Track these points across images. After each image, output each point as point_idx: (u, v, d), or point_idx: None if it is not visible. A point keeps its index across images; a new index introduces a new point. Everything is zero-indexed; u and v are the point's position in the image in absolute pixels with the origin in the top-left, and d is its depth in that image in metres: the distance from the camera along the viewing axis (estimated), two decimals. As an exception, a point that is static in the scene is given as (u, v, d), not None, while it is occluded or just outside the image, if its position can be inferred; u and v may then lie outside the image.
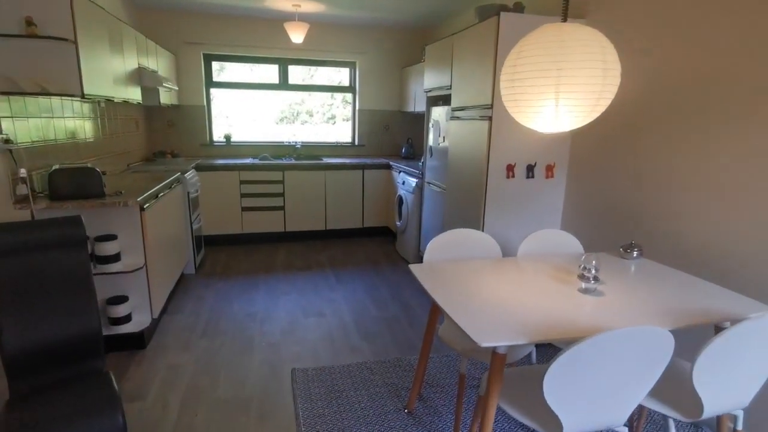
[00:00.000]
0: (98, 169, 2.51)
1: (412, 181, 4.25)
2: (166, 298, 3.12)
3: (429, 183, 3.96)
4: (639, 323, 1.44)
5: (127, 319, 2.63)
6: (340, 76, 5.62)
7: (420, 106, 4.92)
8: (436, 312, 2.01)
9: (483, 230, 2.95)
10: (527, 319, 1.44)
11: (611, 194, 2.67)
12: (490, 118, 2.80)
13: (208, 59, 5.07)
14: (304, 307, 3.34)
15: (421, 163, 4.60)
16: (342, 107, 5.73)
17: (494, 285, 1.76)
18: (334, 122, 5.75)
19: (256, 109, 5.52)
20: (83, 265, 1.94)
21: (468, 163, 3.09)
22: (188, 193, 3.81)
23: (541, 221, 3.05)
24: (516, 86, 1.50)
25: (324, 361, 2.61)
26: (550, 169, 2.95)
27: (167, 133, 5.01)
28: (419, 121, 5.71)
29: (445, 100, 3.80)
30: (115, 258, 2.51)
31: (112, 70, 2.92)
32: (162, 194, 3.07)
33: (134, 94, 3.40)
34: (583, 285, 1.72)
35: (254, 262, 4.36)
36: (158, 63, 4.05)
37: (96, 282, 2.62)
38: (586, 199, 2.86)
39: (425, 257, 2.14)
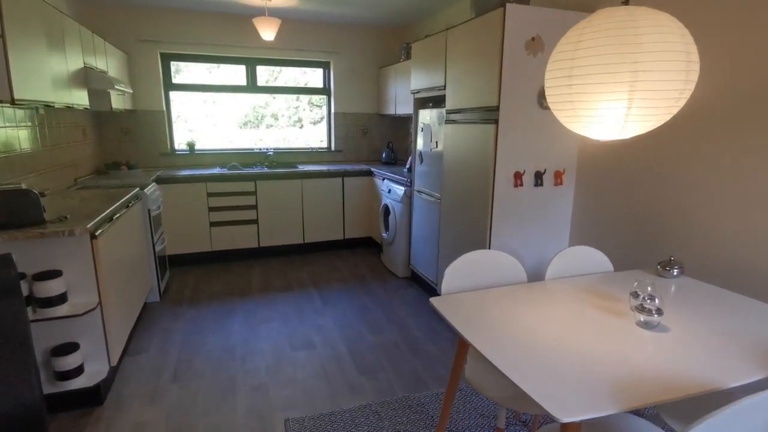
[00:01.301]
0: (35, 190, 2.04)
1: (399, 190, 3.94)
2: (126, 337, 2.66)
3: (419, 192, 3.66)
4: (746, 371, 1.19)
5: (79, 371, 2.17)
6: (307, 77, 5.23)
7: (402, 109, 4.62)
8: (464, 349, 1.71)
9: (490, 245, 2.68)
10: (602, 374, 1.16)
11: (628, 202, 2.45)
12: (496, 122, 2.53)
13: (166, 59, 4.57)
14: (290, 337, 2.96)
15: (406, 169, 4.30)
16: (309, 110, 5.35)
17: (537, 321, 1.47)
18: (302, 126, 5.36)
19: (219, 114, 5.05)
20: (17, 316, 1.51)
21: (469, 171, 2.81)
22: (149, 210, 3.34)
23: (551, 232, 2.81)
24: (574, 85, 1.22)
25: (321, 406, 2.25)
26: (559, 176, 2.72)
27: (122, 141, 4.47)
28: (400, 124, 5.41)
29: (436, 101, 3.51)
30: (61, 299, 2.06)
31: (50, 70, 2.44)
32: (118, 215, 2.62)
33: (80, 99, 2.91)
34: (643, 318, 1.45)
35: (227, 283, 3.92)
36: (108, 63, 3.55)
37: (37, 330, 2.16)
38: (598, 207, 2.64)
39: (443, 287, 1.83)
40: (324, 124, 5.37)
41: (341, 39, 5.01)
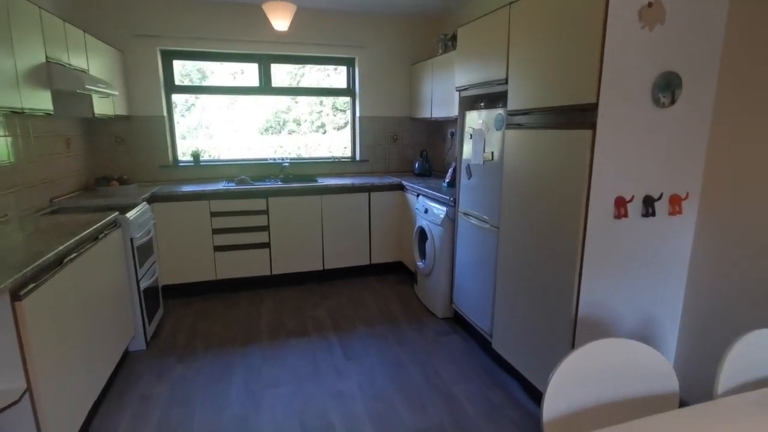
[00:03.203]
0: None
1: (440, 210, 3.19)
2: (83, 419, 2.00)
3: (466, 214, 2.90)
4: None
5: (-7, 492, 1.51)
6: (330, 79, 4.56)
7: (439, 111, 3.88)
8: None
9: (579, 298, 1.89)
10: None
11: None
12: (592, 126, 1.76)
13: (168, 57, 3.97)
14: (302, 412, 2.24)
15: (446, 184, 3.55)
16: (332, 114, 4.68)
17: None
18: (325, 131, 4.69)
19: (233, 120, 4.43)
20: None
21: (546, 194, 2.04)
22: (131, 239, 2.70)
23: (659, 282, 2.00)
24: None
25: None
26: (677, 203, 1.91)
27: (116, 152, 3.88)
28: (436, 129, 4.66)
29: (491, 100, 2.76)
30: (-40, 394, 1.40)
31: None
32: (77, 254, 1.97)
33: (38, 102, 2.29)
34: None
35: (231, 322, 3.25)
36: (89, 60, 2.94)
37: None
38: (739, 249, 1.83)
39: (546, 405, 1.07)
40: (348, 129, 4.68)
41: (367, 31, 4.32)
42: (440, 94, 3.84)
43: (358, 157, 4.61)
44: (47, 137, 2.99)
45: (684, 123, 1.85)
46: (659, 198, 1.88)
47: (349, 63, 4.46)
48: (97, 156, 3.83)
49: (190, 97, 4.24)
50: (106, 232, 2.41)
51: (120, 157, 3.89)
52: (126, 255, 2.69)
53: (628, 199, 1.83)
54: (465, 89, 2.86)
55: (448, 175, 3.63)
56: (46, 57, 2.39)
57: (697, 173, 1.94)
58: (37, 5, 2.34)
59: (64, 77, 2.43)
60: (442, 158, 4.51)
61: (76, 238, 2.00)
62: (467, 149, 2.87)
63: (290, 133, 4.62)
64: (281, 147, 4.59)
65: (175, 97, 4.12)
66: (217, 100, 4.30)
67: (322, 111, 4.69)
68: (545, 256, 2.07)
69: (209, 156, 4.37)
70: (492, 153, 2.55)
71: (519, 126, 2.25)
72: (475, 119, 2.76)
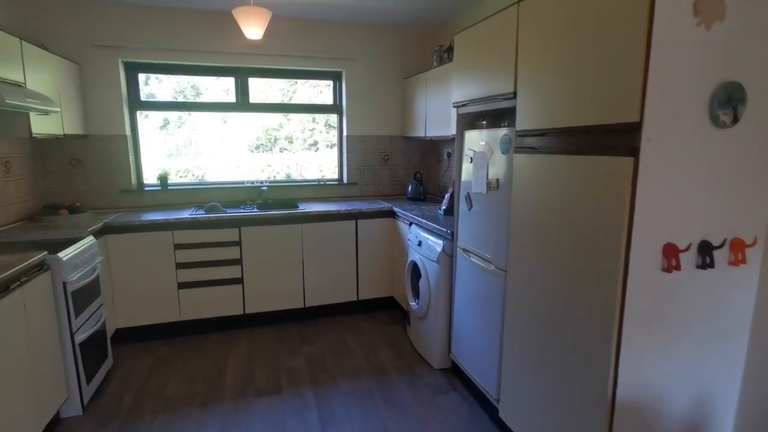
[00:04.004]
0: None
1: (435, 244, 2.75)
2: None
3: (465, 251, 2.47)
4: None
5: None
6: (323, 96, 4.18)
7: (435, 129, 3.48)
8: None
9: (618, 372, 1.45)
10: None
11: None
12: (634, 152, 1.33)
13: (132, 70, 3.57)
14: None
15: (442, 211, 3.13)
16: (325, 132, 4.29)
17: None
18: (317, 149, 4.30)
19: (222, 137, 4.05)
20: None
21: (572, 236, 1.61)
22: (64, 284, 2.24)
23: (714, 347, 1.56)
24: None
25: None
26: (740, 249, 1.49)
27: (71, 176, 3.44)
28: (431, 149, 4.26)
29: (495, 117, 2.35)
30: None
31: None
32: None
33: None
34: None
35: (192, 376, 2.77)
36: (26, 72, 2.52)
37: None
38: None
39: None
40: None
41: (355, 43, 3.94)
42: (436, 111, 3.45)
43: (345, 180, 4.18)
44: (-24, 160, 2.55)
45: (749, 147, 1.43)
46: (722, 244, 1.45)
47: (335, 77, 4.07)
48: (49, 180, 3.39)
49: (183, 114, 3.89)
50: (24, 279, 1.96)
51: (75, 182, 3.45)
52: (57, 303, 2.23)
53: (682, 247, 1.40)
54: (463, 105, 2.46)
55: (445, 201, 3.21)
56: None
57: (763, 210, 1.52)
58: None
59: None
60: (438, 181, 4.10)
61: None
62: (466, 174, 2.45)
63: (281, 151, 4.24)
64: (269, 166, 4.19)
65: (167, 115, 3.76)
66: (210, 117, 3.94)
67: (314, 128, 4.32)
68: (569, 314, 1.63)
69: (194, 176, 3.98)
70: (497, 180, 2.13)
71: (531, 150, 1.83)
72: (475, 140, 2.35)
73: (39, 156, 3.31)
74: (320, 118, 4.27)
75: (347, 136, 4.09)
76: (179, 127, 3.96)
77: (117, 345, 3.10)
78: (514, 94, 1.93)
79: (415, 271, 3.05)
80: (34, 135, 2.56)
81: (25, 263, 1.98)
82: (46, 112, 2.53)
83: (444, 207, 3.19)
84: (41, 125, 2.64)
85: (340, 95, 4.10)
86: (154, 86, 3.82)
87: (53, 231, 2.73)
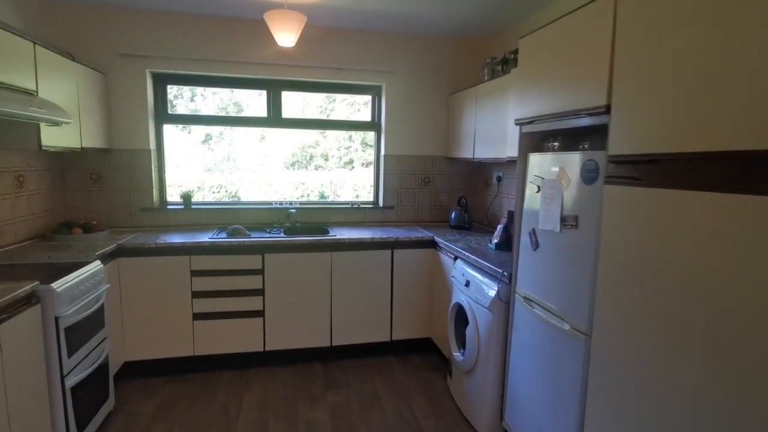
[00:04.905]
0: None
1: (488, 287, 2.30)
2: None
3: (528, 300, 2.01)
4: None
5: None
6: (360, 114, 3.87)
7: (484, 150, 3.06)
8: None
9: None
10: None
11: None
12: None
13: (160, 81, 3.36)
14: None
15: (493, 245, 2.68)
16: (361, 150, 3.98)
17: None
18: (352, 167, 3.99)
19: (258, 153, 3.83)
20: None
21: (724, 309, 1.14)
22: (57, 318, 1.94)
23: None
24: None
25: None
26: None
27: (90, 192, 3.23)
28: (478, 171, 3.84)
29: (569, 137, 1.91)
30: None
31: None
32: None
33: None
34: None
35: (197, 426, 2.41)
36: (39, 79, 2.30)
37: None
38: None
39: None
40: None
41: (397, 54, 3.61)
42: (486, 130, 3.04)
43: (381, 203, 3.81)
44: (-13, 174, 2.34)
45: None
46: None
47: (374, 92, 3.74)
48: (68, 196, 3.19)
49: (225, 130, 3.73)
50: (3, 317, 1.66)
51: (94, 198, 3.23)
52: (46, 341, 1.93)
53: None
54: (529, 122, 2.03)
55: (497, 233, 2.76)
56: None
57: None
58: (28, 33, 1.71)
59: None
60: (485, 208, 3.65)
61: None
62: (530, 205, 2.01)
63: (317, 169, 3.96)
64: (303, 183, 3.91)
65: (209, 129, 3.60)
66: (248, 133, 3.76)
67: (350, 146, 4.02)
68: (707, 411, 1.15)
69: (227, 192, 3.74)
70: (575, 217, 1.68)
71: (632, 180, 1.38)
72: (544, 165, 1.91)
73: (58, 170, 3.11)
74: (356, 135, 3.95)
75: (385, 155, 3.73)
76: (218, 142, 3.79)
77: (121, 380, 2.79)
78: (607, 109, 1.49)
79: (461, 316, 2.60)
80: (44, 147, 2.33)
81: (7, 297, 1.69)
82: (57, 123, 2.29)
83: (496, 240, 2.74)
84: (53, 137, 2.41)
85: (379, 111, 3.76)
86: (199, 102, 3.65)
87: (61, 252, 2.48)
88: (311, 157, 4.02)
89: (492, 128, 2.94)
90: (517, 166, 2.14)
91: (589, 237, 1.59)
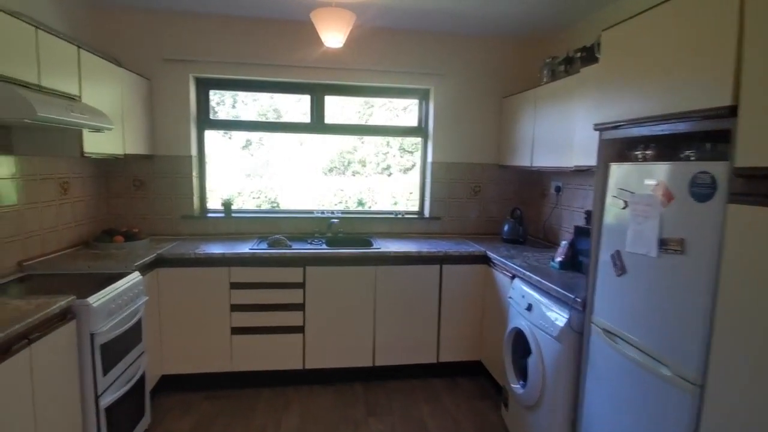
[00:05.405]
0: None
1: (557, 313, 2.03)
2: None
3: (609, 333, 1.72)
4: None
5: None
6: (399, 120, 3.67)
7: (544, 158, 2.79)
8: None
9: None
10: None
11: None
12: None
13: (203, 86, 3.29)
14: None
15: (557, 263, 2.40)
16: (399, 155, 3.78)
17: None
18: (390, 173, 3.80)
19: (297, 159, 3.71)
20: None
21: None
22: (92, 335, 1.83)
23: None
24: None
25: None
26: None
27: (133, 199, 3.19)
28: (533, 181, 3.54)
29: (666, 145, 1.63)
30: None
31: None
32: None
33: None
34: None
35: (234, 453, 2.25)
36: (82, 84, 2.24)
37: None
38: None
39: None
40: (415, 172, 3.71)
41: (446, 56, 3.38)
42: (547, 136, 2.76)
43: (427, 213, 3.58)
44: (31, 181, 2.30)
45: None
46: None
47: (421, 95, 3.53)
48: (112, 203, 3.15)
49: (265, 135, 3.65)
50: (35, 336, 1.55)
51: (137, 205, 3.19)
52: (81, 359, 1.82)
53: None
54: (614, 127, 1.76)
55: (561, 251, 2.47)
56: (-11, 72, 1.67)
57: None
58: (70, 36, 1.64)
59: (8, 102, 1.67)
60: (541, 220, 3.36)
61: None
62: (612, 223, 1.73)
63: (354, 175, 3.80)
64: (341, 190, 3.76)
65: (249, 135, 3.56)
66: (287, 138, 3.66)
67: (388, 152, 3.84)
68: None
69: (266, 198, 3.64)
70: (681, 241, 1.39)
71: (771, 199, 1.10)
72: (633, 177, 1.63)
73: (103, 177, 3.08)
74: (394, 141, 3.76)
75: (431, 162, 3.50)
76: (258, 148, 3.70)
77: (158, 395, 2.69)
78: (731, 110, 1.21)
79: (519, 342, 2.33)
80: (86, 154, 2.26)
81: (41, 313, 1.59)
82: (99, 129, 2.22)
83: (560, 258, 2.45)
84: (95, 144, 2.34)
85: (426, 116, 3.54)
86: (240, 109, 3.58)
87: (102, 261, 2.41)
88: (349, 163, 3.87)
89: (554, 134, 2.66)
90: (594, 177, 1.87)
91: (701, 265, 1.30)
